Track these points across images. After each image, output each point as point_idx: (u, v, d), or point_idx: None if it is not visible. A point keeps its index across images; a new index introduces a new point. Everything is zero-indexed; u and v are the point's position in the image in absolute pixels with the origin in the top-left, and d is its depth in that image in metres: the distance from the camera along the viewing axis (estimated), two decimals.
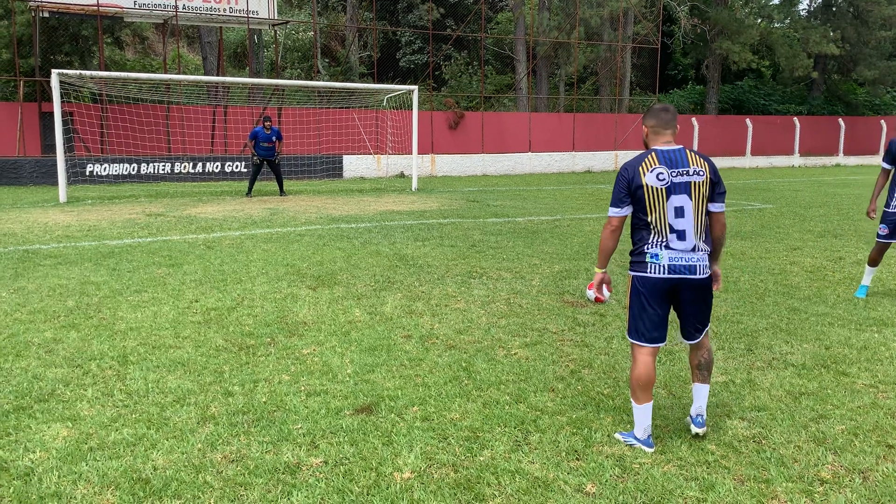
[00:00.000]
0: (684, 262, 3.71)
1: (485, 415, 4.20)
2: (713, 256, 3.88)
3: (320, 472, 3.52)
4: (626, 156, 31.01)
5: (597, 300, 6.81)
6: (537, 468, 3.57)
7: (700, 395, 3.90)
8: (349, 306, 6.67)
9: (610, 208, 3.81)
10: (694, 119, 33.61)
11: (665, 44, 38.47)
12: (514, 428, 4.03)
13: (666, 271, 3.71)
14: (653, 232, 3.73)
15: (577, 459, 3.67)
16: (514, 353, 5.34)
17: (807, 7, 42.47)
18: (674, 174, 3.70)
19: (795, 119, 35.64)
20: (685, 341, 3.94)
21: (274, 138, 17.47)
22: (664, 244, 3.72)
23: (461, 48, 39.78)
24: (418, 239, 10.68)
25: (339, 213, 14.24)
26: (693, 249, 3.74)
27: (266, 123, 17.35)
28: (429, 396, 4.47)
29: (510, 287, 7.54)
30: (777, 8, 38.91)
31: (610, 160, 30.84)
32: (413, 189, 20.20)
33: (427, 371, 4.93)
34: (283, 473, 3.50)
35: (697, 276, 3.74)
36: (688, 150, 3.78)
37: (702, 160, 3.78)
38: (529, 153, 29.20)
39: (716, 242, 3.89)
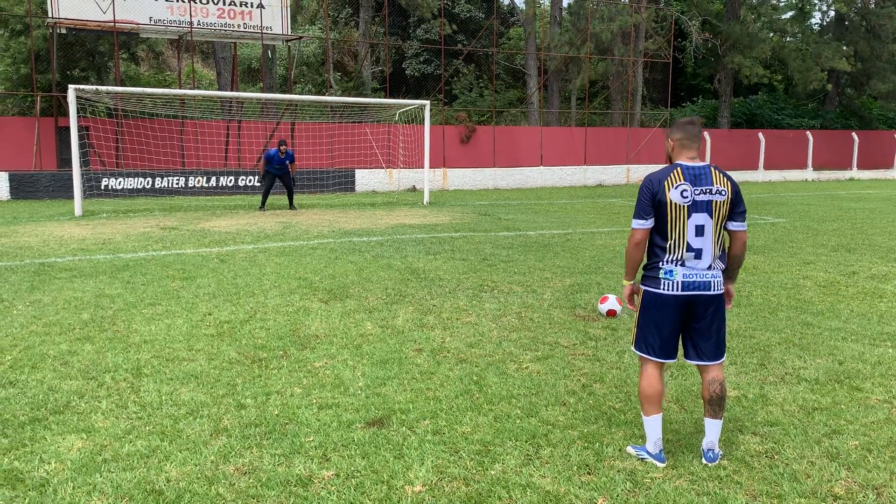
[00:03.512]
0: (698, 279, 3.67)
1: (496, 429, 4.20)
2: (729, 275, 3.83)
3: (332, 485, 3.53)
4: (638, 170, 31.01)
5: (609, 314, 6.80)
6: (549, 482, 3.57)
7: (711, 429, 3.79)
8: (361, 320, 6.69)
9: (634, 220, 3.76)
10: (706, 133, 33.55)
11: (677, 58, 38.51)
12: (526, 442, 4.03)
13: (679, 288, 3.67)
14: (668, 249, 3.70)
15: (589, 474, 3.67)
16: (526, 367, 5.34)
17: (819, 22, 42.45)
18: (696, 192, 3.65)
19: (808, 133, 35.52)
20: (692, 361, 3.83)
21: (287, 161, 17.64)
22: (680, 262, 3.68)
23: (472, 63, 39.97)
24: (430, 252, 10.71)
25: (351, 226, 14.30)
26: (709, 267, 3.70)
27: (281, 147, 17.50)
28: (440, 410, 4.47)
29: (521, 301, 7.54)
30: (789, 22, 38.90)
31: (622, 174, 30.82)
32: (425, 203, 20.26)
33: (438, 384, 4.94)
34: (296, 486, 3.52)
35: (711, 293, 3.70)
36: (712, 168, 3.73)
37: (725, 179, 3.72)
38: (541, 167, 29.24)
39: (733, 260, 3.83)
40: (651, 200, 3.69)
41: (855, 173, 36.38)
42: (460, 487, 3.52)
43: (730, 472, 3.69)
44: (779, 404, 4.60)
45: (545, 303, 7.47)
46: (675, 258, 3.69)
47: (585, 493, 3.46)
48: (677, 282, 3.67)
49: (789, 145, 35.56)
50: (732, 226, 3.76)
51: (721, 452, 3.85)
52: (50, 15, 21.73)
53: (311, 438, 4.05)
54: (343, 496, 3.42)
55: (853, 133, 36.94)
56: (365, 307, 7.20)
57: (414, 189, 25.35)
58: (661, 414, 3.81)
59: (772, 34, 37.56)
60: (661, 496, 3.43)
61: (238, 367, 5.31)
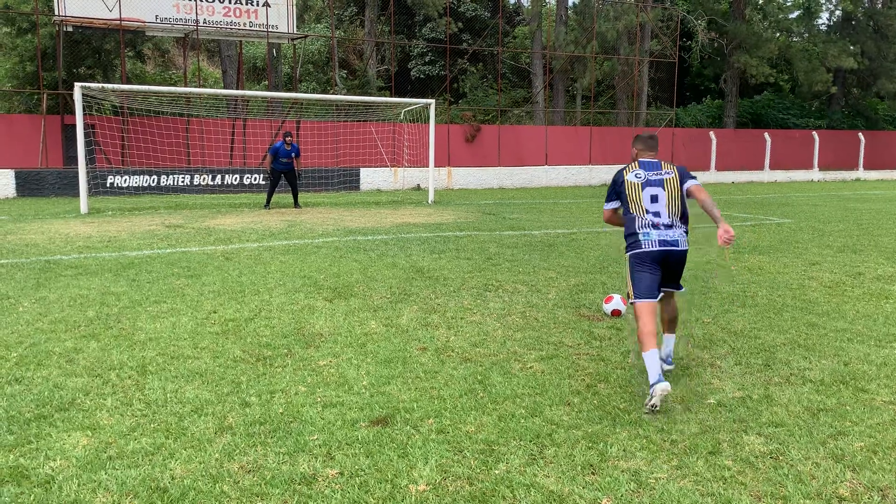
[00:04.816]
0: (669, 238, 4.76)
1: (500, 428, 4.20)
2: (713, 219, 4.77)
3: (336, 484, 3.53)
4: None
5: (613, 314, 6.77)
6: (552, 482, 3.57)
7: (669, 342, 5.05)
8: (365, 318, 6.70)
9: (605, 204, 5.12)
10: (712, 133, 33.49)
11: (682, 58, 38.41)
12: (530, 441, 4.03)
13: (657, 244, 4.75)
14: (636, 217, 4.83)
15: (593, 474, 3.67)
16: (530, 367, 5.34)
17: (826, 21, 42.29)
18: (649, 175, 4.89)
19: (814, 133, 35.41)
20: (663, 289, 4.95)
21: (293, 154, 17.61)
22: (651, 225, 4.76)
23: (477, 62, 39.94)
24: (434, 251, 10.71)
25: (356, 225, 14.31)
26: (672, 227, 4.78)
27: (287, 139, 17.49)
28: (444, 409, 4.48)
29: (526, 300, 7.54)
30: (796, 22, 38.77)
31: None
32: (429, 202, 20.26)
33: (442, 383, 4.95)
34: (300, 484, 3.53)
35: (679, 248, 4.80)
36: (662, 161, 4.96)
37: (672, 166, 4.97)
38: (546, 166, 29.22)
39: (706, 207, 4.82)
40: (614, 187, 5.00)
41: (861, 174, 36.27)
42: (464, 487, 3.52)
43: (734, 472, 3.68)
44: (784, 405, 4.59)
45: (550, 302, 7.46)
46: (643, 223, 4.79)
47: (589, 493, 3.46)
48: (654, 240, 4.75)
49: (795, 145, 35.47)
50: (686, 186, 4.89)
51: (672, 360, 5.13)
52: (56, 13, 21.78)
53: (316, 437, 4.05)
54: (347, 495, 3.43)
55: (859, 133, 36.82)
56: (369, 306, 7.20)
57: (419, 188, 25.36)
58: (657, 348, 4.59)
59: (778, 34, 37.45)
60: (665, 496, 3.43)
61: (243, 365, 5.32)
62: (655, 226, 4.74)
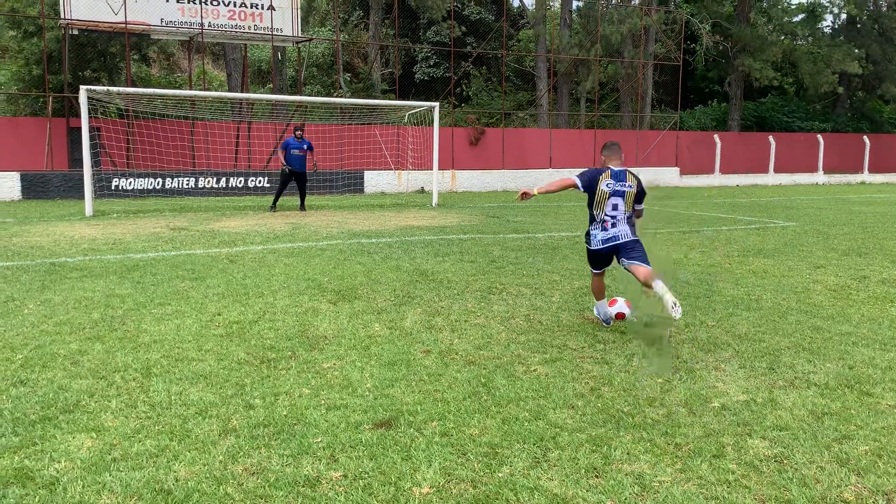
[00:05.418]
0: (612, 234, 6.15)
1: (504, 431, 4.20)
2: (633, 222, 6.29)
3: (340, 486, 3.54)
4: (648, 172, 30.92)
5: (618, 317, 6.76)
6: (556, 485, 3.57)
7: (658, 287, 5.79)
8: (369, 321, 6.70)
9: (575, 176, 6.27)
10: (716, 136, 33.44)
11: (687, 61, 38.38)
12: (534, 444, 4.02)
13: (601, 244, 6.22)
14: (596, 218, 6.20)
15: (597, 477, 3.66)
16: (534, 370, 5.34)
17: (831, 25, 42.24)
18: (616, 185, 6.11)
19: (819, 136, 35.34)
20: (630, 262, 6.08)
21: (305, 147, 17.52)
22: (601, 226, 6.17)
23: (481, 65, 39.97)
24: (438, 254, 10.72)
25: (360, 228, 14.33)
26: (616, 225, 6.13)
27: (297, 133, 17.44)
28: (448, 412, 4.48)
29: (530, 303, 7.54)
30: (800, 25, 38.74)
31: None
32: (433, 204, 20.27)
33: (446, 386, 4.95)
34: (303, 486, 3.53)
35: (621, 240, 6.14)
36: (628, 171, 6.18)
37: (634, 178, 6.21)
38: (550, 169, 29.20)
39: (636, 218, 6.33)
40: (592, 177, 6.16)
41: (866, 177, 36.19)
42: (468, 489, 3.52)
43: (738, 476, 3.67)
44: (788, 409, 4.58)
45: (554, 305, 7.46)
46: (598, 225, 6.18)
47: (593, 497, 3.46)
48: (599, 240, 6.22)
49: (800, 149, 35.40)
50: (637, 206, 6.29)
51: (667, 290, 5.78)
52: (62, 16, 21.88)
53: (320, 439, 4.06)
54: (351, 497, 3.43)
55: (864, 136, 36.74)
56: (373, 308, 7.21)
57: (423, 191, 25.37)
58: (605, 299, 6.50)
59: (783, 37, 37.42)
60: (668, 500, 3.43)
61: (247, 367, 5.33)
62: (605, 227, 6.14)
